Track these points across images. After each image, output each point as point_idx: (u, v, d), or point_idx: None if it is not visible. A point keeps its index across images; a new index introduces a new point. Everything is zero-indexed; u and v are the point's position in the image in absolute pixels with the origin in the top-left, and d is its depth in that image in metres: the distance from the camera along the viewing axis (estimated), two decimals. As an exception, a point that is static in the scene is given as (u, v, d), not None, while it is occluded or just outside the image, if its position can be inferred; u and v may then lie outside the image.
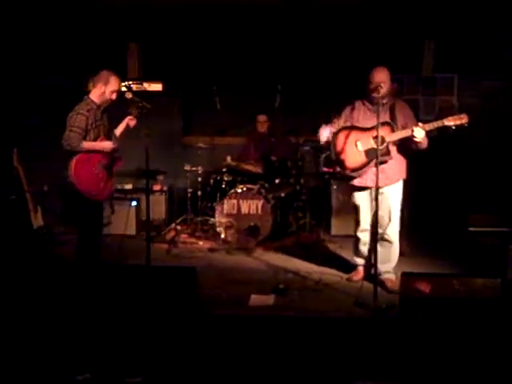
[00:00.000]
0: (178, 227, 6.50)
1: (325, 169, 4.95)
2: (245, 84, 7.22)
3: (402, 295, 3.47)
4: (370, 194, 4.60)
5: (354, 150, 4.53)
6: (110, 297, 3.50)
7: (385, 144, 4.37)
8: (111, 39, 7.17)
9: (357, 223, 4.80)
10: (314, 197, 6.71)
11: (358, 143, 4.51)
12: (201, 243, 6.23)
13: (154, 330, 3.36)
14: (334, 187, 6.52)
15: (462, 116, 4.26)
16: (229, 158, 6.66)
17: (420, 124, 4.32)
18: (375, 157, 4.28)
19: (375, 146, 4.34)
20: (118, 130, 4.73)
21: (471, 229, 5.62)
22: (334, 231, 6.54)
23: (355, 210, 4.77)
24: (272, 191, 6.37)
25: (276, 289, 4.58)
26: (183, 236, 6.42)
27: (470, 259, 5.20)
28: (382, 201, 4.50)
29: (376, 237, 4.49)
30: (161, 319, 3.40)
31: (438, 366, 3.11)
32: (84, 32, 7.10)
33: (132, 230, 6.41)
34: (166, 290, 3.52)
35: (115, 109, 4.62)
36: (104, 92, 4.47)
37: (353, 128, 4.58)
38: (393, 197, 4.60)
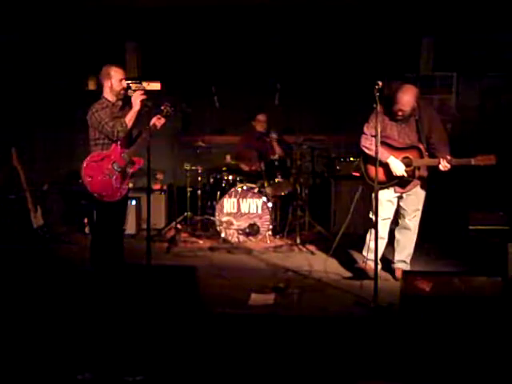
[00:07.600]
0: (178, 226, 6.50)
1: (354, 173, 5.07)
2: (243, 83, 7.21)
3: (402, 294, 3.47)
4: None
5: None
6: (111, 296, 3.51)
7: (411, 167, 4.51)
8: (110, 38, 7.16)
9: (375, 215, 4.46)
10: (314, 196, 6.70)
11: None
12: (201, 242, 6.23)
13: (155, 329, 3.35)
14: (334, 186, 6.51)
15: (490, 157, 4.30)
16: (228, 157, 6.65)
17: (448, 157, 4.39)
18: (400, 178, 4.53)
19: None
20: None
21: (472, 227, 5.62)
22: (333, 230, 6.53)
23: (374, 202, 4.46)
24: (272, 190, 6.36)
25: (276, 288, 4.58)
26: (183, 235, 6.42)
27: (470, 257, 5.21)
28: (409, 199, 4.71)
29: (393, 231, 4.72)
30: (161, 318, 3.40)
31: (439, 365, 3.11)
32: (83, 31, 7.09)
33: (132, 229, 6.42)
34: (167, 289, 3.52)
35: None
36: (112, 86, 4.42)
37: (383, 144, 4.48)
38: (419, 196, 4.73)
